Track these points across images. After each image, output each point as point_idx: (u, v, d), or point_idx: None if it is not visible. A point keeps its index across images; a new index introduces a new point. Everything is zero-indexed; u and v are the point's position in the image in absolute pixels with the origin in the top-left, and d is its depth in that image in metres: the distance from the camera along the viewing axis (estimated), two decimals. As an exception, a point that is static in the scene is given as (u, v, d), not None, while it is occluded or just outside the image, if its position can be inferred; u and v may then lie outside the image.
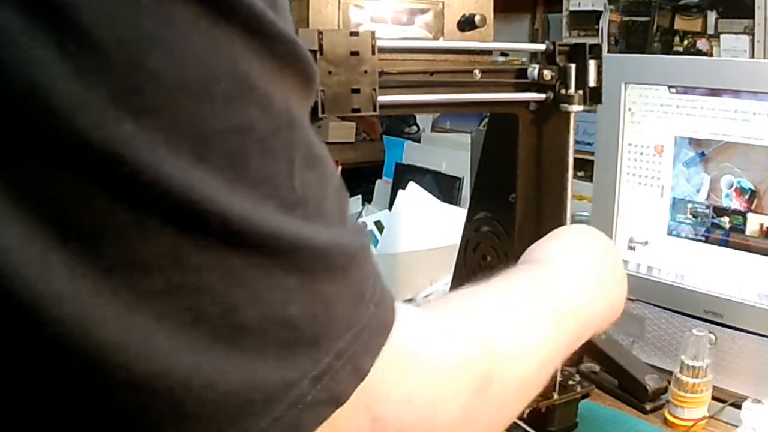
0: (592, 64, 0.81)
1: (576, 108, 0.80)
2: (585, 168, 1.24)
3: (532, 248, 0.68)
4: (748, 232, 0.96)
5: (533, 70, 0.80)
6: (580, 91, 0.80)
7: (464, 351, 0.45)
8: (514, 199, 0.84)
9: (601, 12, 2.82)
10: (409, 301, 1.32)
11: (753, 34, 2.42)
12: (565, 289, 0.59)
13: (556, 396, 0.85)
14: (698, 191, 1.01)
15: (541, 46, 0.82)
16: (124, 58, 0.29)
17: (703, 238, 1.01)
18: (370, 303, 0.38)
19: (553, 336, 0.54)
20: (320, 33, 0.65)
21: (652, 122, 1.04)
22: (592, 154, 1.11)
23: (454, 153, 2.03)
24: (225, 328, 0.32)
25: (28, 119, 0.28)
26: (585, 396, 0.89)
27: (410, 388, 0.40)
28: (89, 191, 0.29)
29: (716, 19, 2.52)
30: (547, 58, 0.82)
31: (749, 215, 0.96)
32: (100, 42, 0.28)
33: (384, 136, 2.49)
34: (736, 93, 0.95)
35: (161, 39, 0.30)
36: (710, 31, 2.54)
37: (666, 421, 0.93)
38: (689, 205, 1.02)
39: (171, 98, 0.30)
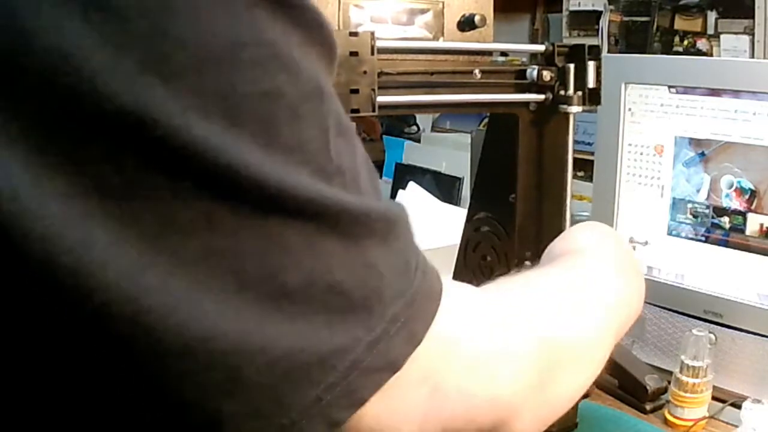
0: (591, 65, 0.81)
1: (575, 109, 0.80)
2: (585, 168, 1.24)
3: (554, 245, 0.67)
4: (748, 232, 0.96)
5: (532, 71, 0.80)
6: (579, 92, 0.80)
7: (523, 327, 0.44)
8: (514, 199, 0.84)
9: (601, 12, 2.82)
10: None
11: (753, 34, 2.42)
12: (608, 278, 0.58)
13: (556, 396, 0.85)
14: (698, 191, 1.01)
15: (540, 47, 0.82)
16: (147, 26, 0.29)
17: (703, 238, 1.01)
18: (417, 270, 0.37)
19: (606, 320, 0.53)
20: (320, 33, 0.65)
21: (652, 122, 1.04)
22: (592, 154, 1.11)
23: (454, 153, 2.03)
24: (270, 293, 0.32)
25: (59, 87, 0.28)
26: (585, 396, 0.89)
27: (471, 357, 0.40)
28: (123, 156, 0.29)
29: (716, 19, 2.52)
30: (546, 59, 0.82)
31: (749, 215, 0.96)
32: (123, 10, 0.29)
33: (384, 136, 2.49)
34: (736, 93, 0.95)
35: (183, 7, 0.30)
36: (710, 31, 2.54)
37: (666, 421, 0.93)
38: (689, 205, 1.02)
39: (198, 63, 0.30)
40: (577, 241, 0.65)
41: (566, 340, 0.47)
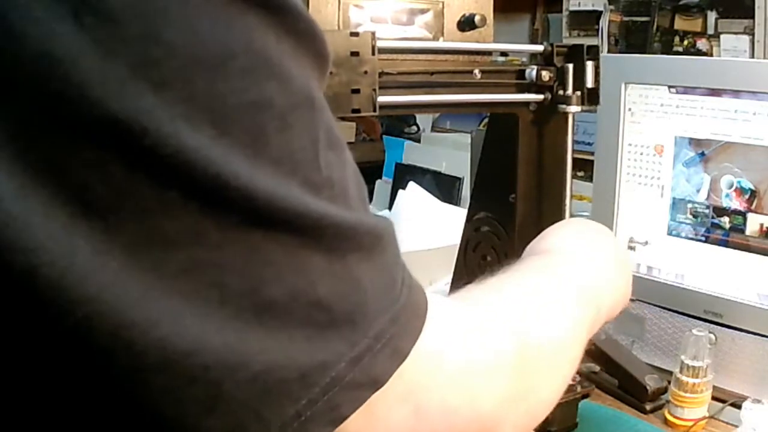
0: (589, 65, 0.81)
1: (574, 109, 0.80)
2: (585, 168, 1.24)
3: (537, 241, 0.67)
4: (748, 232, 0.96)
5: (531, 71, 0.80)
6: (578, 92, 0.80)
7: (499, 336, 0.44)
8: (514, 199, 0.85)
9: (601, 12, 2.82)
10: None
11: (753, 34, 2.42)
12: (579, 276, 0.58)
13: (556, 396, 0.85)
14: (698, 191, 1.01)
15: (539, 47, 0.82)
16: (139, 30, 0.29)
17: (703, 238, 1.01)
18: (404, 286, 0.37)
19: (578, 320, 0.53)
20: (320, 33, 0.65)
21: (652, 122, 1.04)
22: (592, 154, 1.11)
23: (454, 153, 2.03)
24: (251, 307, 0.31)
25: (48, 93, 0.28)
26: (585, 396, 0.89)
27: (453, 371, 0.39)
28: (110, 164, 0.29)
29: (716, 19, 2.52)
30: (545, 59, 0.82)
31: (749, 215, 0.96)
32: (115, 14, 0.29)
33: (384, 136, 2.50)
34: (736, 93, 0.95)
35: (175, 13, 0.30)
36: (710, 31, 2.54)
37: (666, 421, 0.93)
38: (689, 205, 1.02)
39: (187, 71, 0.30)
40: (549, 241, 0.66)
41: (541, 345, 0.47)
